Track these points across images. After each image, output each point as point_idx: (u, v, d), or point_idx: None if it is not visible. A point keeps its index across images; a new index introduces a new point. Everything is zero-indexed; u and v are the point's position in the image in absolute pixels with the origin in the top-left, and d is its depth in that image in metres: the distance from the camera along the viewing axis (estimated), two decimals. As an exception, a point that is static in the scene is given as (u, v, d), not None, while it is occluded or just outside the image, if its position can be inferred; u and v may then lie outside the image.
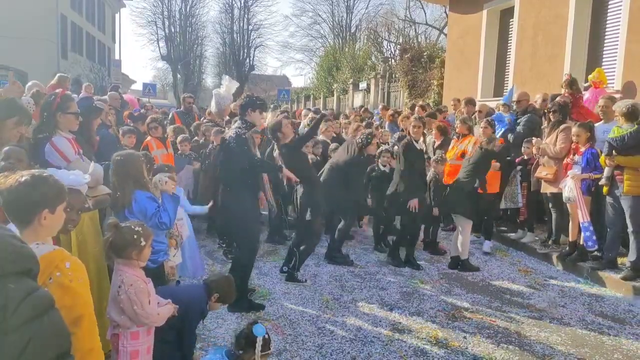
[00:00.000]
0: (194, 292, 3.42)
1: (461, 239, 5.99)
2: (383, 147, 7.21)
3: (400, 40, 28.20)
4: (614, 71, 8.26)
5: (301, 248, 5.48)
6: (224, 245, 6.43)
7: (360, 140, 6.11)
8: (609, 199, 5.65)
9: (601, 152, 5.71)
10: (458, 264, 6.07)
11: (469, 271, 5.93)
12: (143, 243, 2.75)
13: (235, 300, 4.66)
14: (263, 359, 2.87)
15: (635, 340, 4.31)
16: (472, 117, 8.24)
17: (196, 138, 7.80)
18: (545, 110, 6.61)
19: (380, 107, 13.36)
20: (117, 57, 40.41)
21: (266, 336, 2.88)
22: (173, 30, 44.39)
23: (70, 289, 1.87)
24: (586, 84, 7.86)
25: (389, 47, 30.77)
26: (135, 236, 2.73)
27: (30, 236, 1.96)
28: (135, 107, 10.31)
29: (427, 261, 6.34)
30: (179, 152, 6.72)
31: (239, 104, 4.89)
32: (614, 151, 5.40)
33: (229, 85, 8.04)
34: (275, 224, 7.02)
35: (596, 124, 6.18)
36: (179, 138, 6.77)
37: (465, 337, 4.25)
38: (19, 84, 6.26)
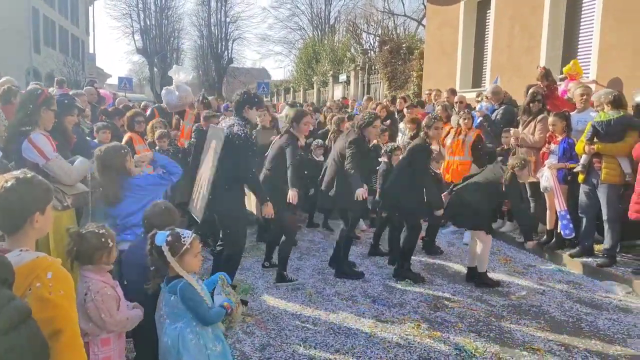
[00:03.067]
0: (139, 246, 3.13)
1: (480, 250, 5.29)
2: (393, 144, 6.73)
3: (379, 32, 28.23)
4: (589, 62, 8.40)
5: (279, 246, 5.29)
6: (209, 241, 6.30)
7: (361, 120, 5.36)
8: (584, 187, 5.76)
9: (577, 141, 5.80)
10: (474, 276, 5.39)
11: (486, 286, 5.26)
12: (110, 244, 2.66)
13: None
14: (187, 258, 2.65)
15: (612, 325, 4.41)
16: (452, 107, 8.29)
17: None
18: (530, 100, 6.65)
19: (365, 97, 13.38)
20: (91, 50, 39.67)
21: (169, 238, 2.63)
22: (148, 22, 43.67)
23: (49, 301, 1.77)
24: (561, 76, 7.98)
25: (368, 39, 30.83)
26: (102, 239, 2.62)
27: (20, 241, 1.89)
28: (109, 102, 10.07)
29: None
30: (157, 147, 6.57)
31: (235, 100, 4.72)
32: (595, 137, 5.50)
33: (185, 75, 7.83)
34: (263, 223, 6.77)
35: (571, 114, 6.29)
36: (157, 134, 6.59)
37: (447, 327, 4.30)
38: None
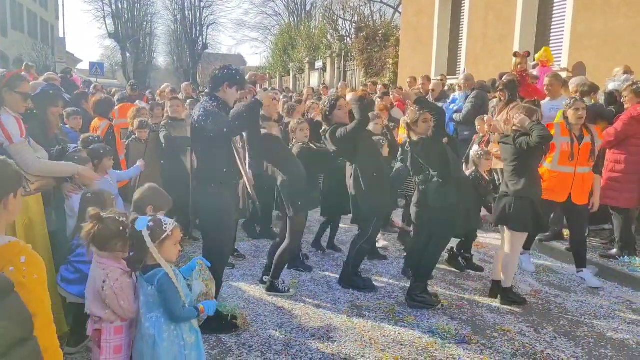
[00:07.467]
0: None
1: (507, 259, 4.49)
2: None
3: (356, 19, 28.12)
4: (561, 50, 8.55)
5: (280, 251, 4.61)
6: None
7: (325, 107, 4.69)
8: (553, 174, 5.88)
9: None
10: (499, 292, 4.62)
11: (511, 304, 4.53)
12: (128, 233, 2.60)
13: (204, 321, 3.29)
14: (167, 245, 2.57)
15: (580, 307, 4.56)
16: (427, 95, 8.35)
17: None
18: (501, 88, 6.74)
19: (340, 84, 13.33)
20: (61, 34, 38.64)
21: (151, 224, 2.55)
22: (120, 6, 42.68)
23: (23, 285, 1.75)
24: (534, 63, 8.11)
25: (344, 26, 30.70)
26: (121, 227, 2.58)
27: None
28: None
29: (384, 240, 6.44)
30: (134, 136, 6.37)
31: (212, 75, 3.87)
32: None
33: None
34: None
35: (542, 101, 6.40)
36: (136, 124, 6.31)
37: (420, 311, 4.37)
38: None
